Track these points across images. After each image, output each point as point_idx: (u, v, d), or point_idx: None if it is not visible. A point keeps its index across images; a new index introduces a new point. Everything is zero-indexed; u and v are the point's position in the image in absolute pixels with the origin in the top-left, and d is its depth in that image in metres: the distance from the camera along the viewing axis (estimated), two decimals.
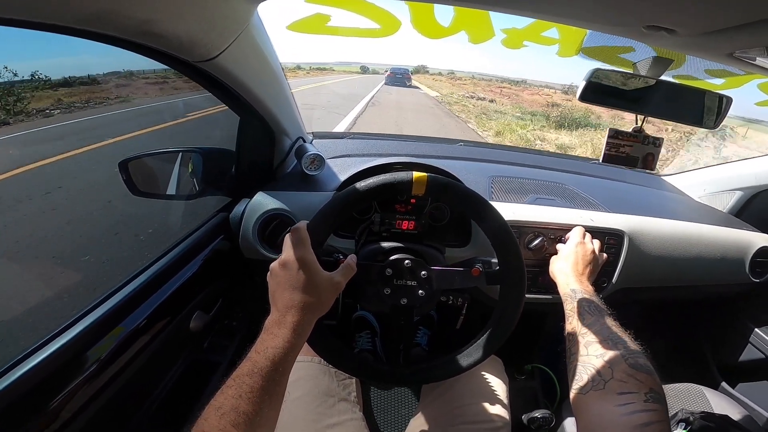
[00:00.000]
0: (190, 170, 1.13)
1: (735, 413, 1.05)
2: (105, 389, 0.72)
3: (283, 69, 0.98)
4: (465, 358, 0.82)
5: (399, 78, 29.55)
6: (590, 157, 1.88)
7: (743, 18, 0.48)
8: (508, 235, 0.77)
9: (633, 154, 0.88)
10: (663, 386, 1.13)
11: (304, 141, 1.25)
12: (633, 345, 0.65)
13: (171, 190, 1.13)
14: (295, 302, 0.61)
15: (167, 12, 0.55)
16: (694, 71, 0.81)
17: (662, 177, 1.77)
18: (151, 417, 0.88)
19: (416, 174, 0.73)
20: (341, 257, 0.78)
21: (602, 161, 0.90)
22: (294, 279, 0.62)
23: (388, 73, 30.81)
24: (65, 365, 0.66)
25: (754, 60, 0.59)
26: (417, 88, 30.59)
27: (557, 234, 1.10)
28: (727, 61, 0.61)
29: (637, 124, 0.86)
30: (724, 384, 1.46)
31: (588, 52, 0.81)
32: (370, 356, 1.37)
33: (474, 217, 0.78)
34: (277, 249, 1.06)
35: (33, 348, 0.65)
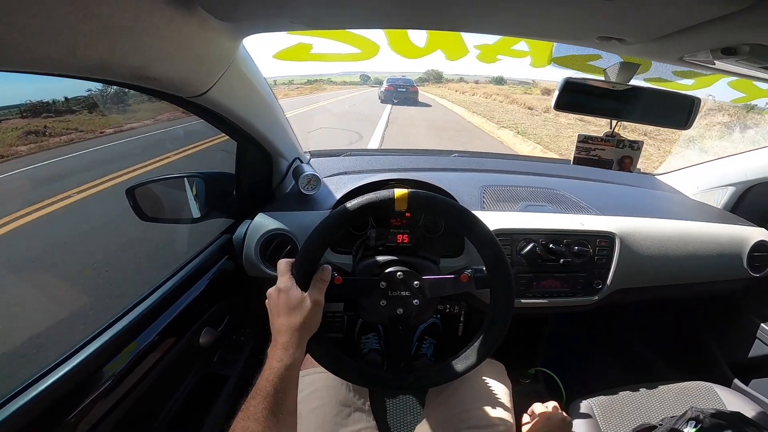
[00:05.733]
0: (194, 194, 1.17)
1: (749, 410, 1.04)
2: (121, 402, 0.77)
3: (273, 92, 1.03)
4: (459, 363, 0.85)
5: (402, 93, 18.95)
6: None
7: (681, 24, 0.52)
8: (492, 242, 0.80)
9: (606, 157, 0.91)
10: (672, 385, 1.13)
11: (301, 161, 1.30)
12: None
13: (177, 214, 1.17)
14: (283, 326, 0.70)
15: (157, 57, 0.61)
16: (663, 74, 0.84)
17: (656, 176, 1.78)
18: (166, 428, 0.92)
19: (397, 191, 0.77)
20: (336, 275, 0.82)
21: (573, 163, 0.93)
22: (280, 305, 0.72)
23: (386, 86, 19.45)
24: (85, 380, 0.72)
25: (706, 62, 0.63)
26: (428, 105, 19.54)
27: (548, 239, 1.13)
28: (682, 65, 0.65)
29: (610, 128, 0.89)
30: (736, 381, 1.44)
31: (559, 61, 0.85)
32: (378, 357, 1.41)
33: (458, 228, 0.81)
34: None
35: (54, 364, 0.71)
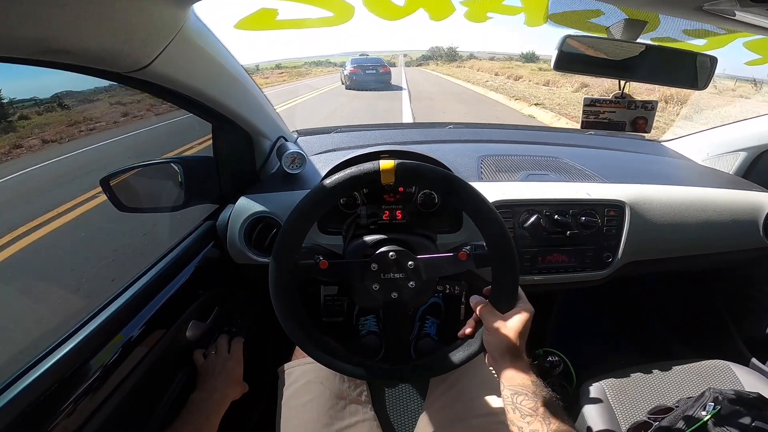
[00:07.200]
0: (178, 180, 1.11)
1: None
2: (111, 397, 0.73)
3: (246, 69, 0.95)
4: (461, 352, 0.80)
5: (371, 75, 15.46)
6: None
7: None
8: (490, 212, 0.72)
9: (617, 119, 0.85)
10: (687, 365, 1.08)
11: (286, 140, 1.23)
12: None
13: (156, 202, 1.11)
14: (205, 391, 0.92)
15: (65, 29, 0.51)
16: (671, 33, 0.76)
17: (662, 143, 1.70)
18: (160, 423, 0.88)
19: (383, 163, 0.70)
20: (321, 259, 0.77)
21: (581, 127, 0.87)
22: (213, 375, 0.95)
23: (350, 68, 15.74)
24: (71, 374, 0.68)
25: (728, 13, 0.53)
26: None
27: (552, 210, 1.06)
28: (698, 17, 0.56)
29: (618, 89, 0.81)
30: (754, 360, 1.37)
31: (556, 19, 0.77)
32: (376, 339, 1.36)
33: (451, 199, 0.74)
34: (266, 251, 1.05)
35: (36, 359, 0.67)
